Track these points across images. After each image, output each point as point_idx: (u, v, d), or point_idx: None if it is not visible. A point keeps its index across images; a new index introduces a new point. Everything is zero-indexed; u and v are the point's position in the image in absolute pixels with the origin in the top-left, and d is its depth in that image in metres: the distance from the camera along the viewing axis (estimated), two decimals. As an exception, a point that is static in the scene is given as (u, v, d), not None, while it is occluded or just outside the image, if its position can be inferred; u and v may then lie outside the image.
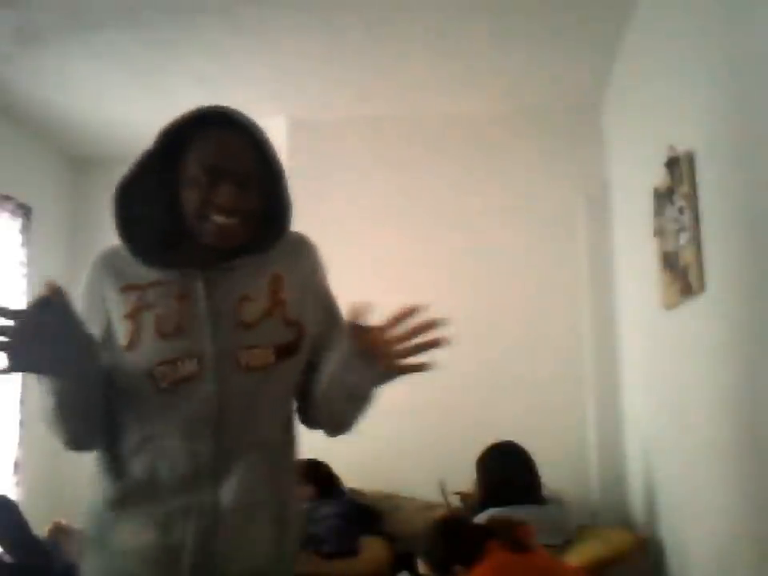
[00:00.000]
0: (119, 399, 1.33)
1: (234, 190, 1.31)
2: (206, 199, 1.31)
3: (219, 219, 1.31)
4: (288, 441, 1.43)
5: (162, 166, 1.35)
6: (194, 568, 1.28)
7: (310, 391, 1.42)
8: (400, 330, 1.24)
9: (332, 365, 1.34)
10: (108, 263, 1.39)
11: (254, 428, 1.34)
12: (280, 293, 1.38)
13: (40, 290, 1.16)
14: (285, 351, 1.35)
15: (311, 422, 1.47)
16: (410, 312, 1.22)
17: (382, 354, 1.25)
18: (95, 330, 1.33)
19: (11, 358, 1.13)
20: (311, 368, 1.42)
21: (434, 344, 1.22)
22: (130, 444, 1.33)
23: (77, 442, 1.34)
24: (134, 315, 1.33)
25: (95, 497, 1.36)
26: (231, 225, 1.32)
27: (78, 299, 1.34)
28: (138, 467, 1.31)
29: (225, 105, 1.35)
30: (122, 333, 1.33)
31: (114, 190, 1.36)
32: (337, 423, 1.42)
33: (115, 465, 1.34)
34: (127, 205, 1.36)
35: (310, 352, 1.42)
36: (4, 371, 1.14)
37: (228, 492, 1.30)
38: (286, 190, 1.40)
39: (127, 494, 1.31)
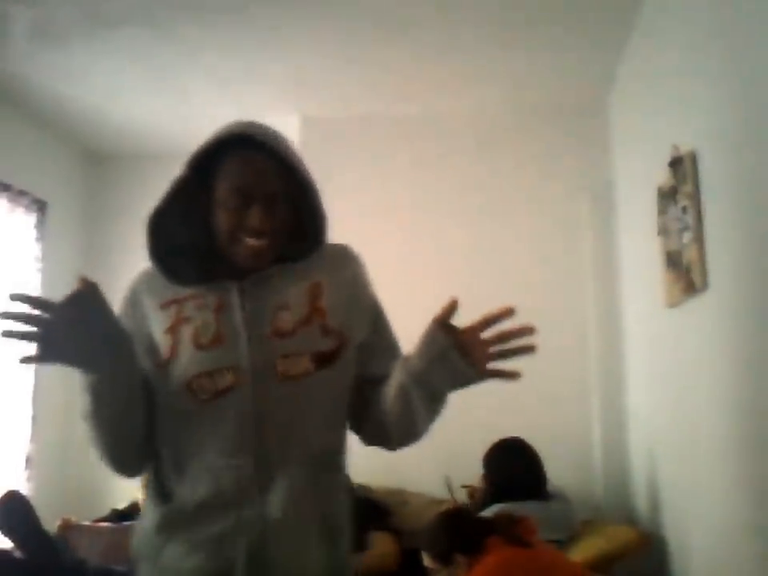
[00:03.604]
0: (159, 417, 1.33)
1: (263, 211, 1.31)
2: (237, 222, 1.32)
3: (250, 241, 1.32)
4: (336, 452, 1.41)
5: (193, 188, 1.36)
6: None
7: (372, 405, 1.38)
8: (492, 332, 1.20)
9: (408, 364, 1.28)
10: (145, 282, 1.41)
11: (297, 439, 1.31)
12: (319, 301, 1.36)
13: (74, 285, 1.17)
14: (323, 359, 1.33)
15: (372, 438, 1.43)
16: (503, 314, 1.18)
17: (477, 354, 1.21)
18: (139, 348, 1.34)
19: (42, 348, 1.15)
20: (366, 383, 1.39)
21: (524, 351, 1.19)
22: (171, 464, 1.32)
23: (116, 452, 1.33)
24: (173, 329, 1.34)
25: (144, 521, 1.36)
26: (262, 246, 1.32)
27: (120, 317, 1.34)
28: (182, 490, 1.31)
29: (249, 122, 1.36)
30: (162, 347, 1.34)
31: (145, 221, 1.37)
32: (410, 432, 1.35)
33: (160, 489, 1.34)
34: (160, 232, 1.37)
35: (359, 364, 1.39)
36: (33, 360, 1.17)
37: (274, 506, 1.28)
38: (319, 200, 1.41)
39: (174, 518, 1.31)
